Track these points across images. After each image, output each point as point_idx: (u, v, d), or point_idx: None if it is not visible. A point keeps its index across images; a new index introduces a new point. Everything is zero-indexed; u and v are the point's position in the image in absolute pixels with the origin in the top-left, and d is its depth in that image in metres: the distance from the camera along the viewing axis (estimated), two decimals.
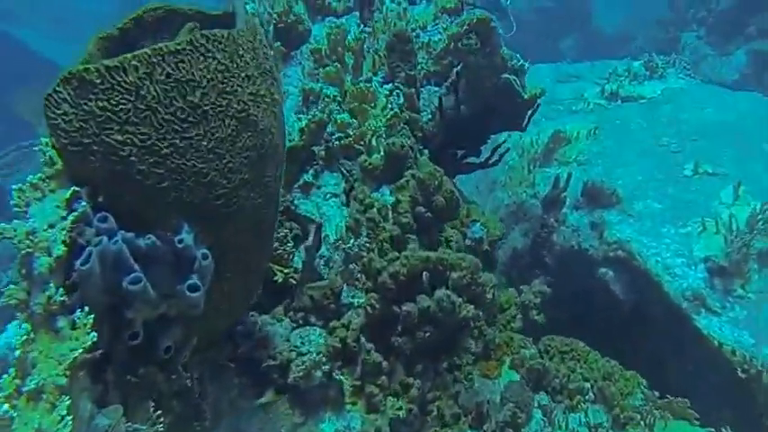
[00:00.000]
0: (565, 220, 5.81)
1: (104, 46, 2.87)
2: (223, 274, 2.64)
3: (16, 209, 2.48)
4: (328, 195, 3.90)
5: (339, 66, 4.47)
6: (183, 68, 2.32)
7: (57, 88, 2.29)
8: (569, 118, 7.62)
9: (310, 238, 3.76)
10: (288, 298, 3.50)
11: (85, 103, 2.26)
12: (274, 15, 5.01)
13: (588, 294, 5.59)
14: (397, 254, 3.28)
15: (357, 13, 5.76)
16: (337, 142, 4.01)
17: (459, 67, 4.58)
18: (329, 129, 4.05)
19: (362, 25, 5.61)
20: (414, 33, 4.93)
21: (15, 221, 2.38)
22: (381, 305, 3.25)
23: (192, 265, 2.46)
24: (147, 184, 2.33)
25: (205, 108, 2.37)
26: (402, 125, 4.10)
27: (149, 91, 2.27)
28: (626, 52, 13.80)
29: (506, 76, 4.55)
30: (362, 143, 3.97)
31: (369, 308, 3.26)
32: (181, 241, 2.40)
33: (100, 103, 2.25)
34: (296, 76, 4.84)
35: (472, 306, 3.22)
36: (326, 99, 4.38)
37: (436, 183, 3.64)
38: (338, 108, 4.38)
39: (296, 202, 3.85)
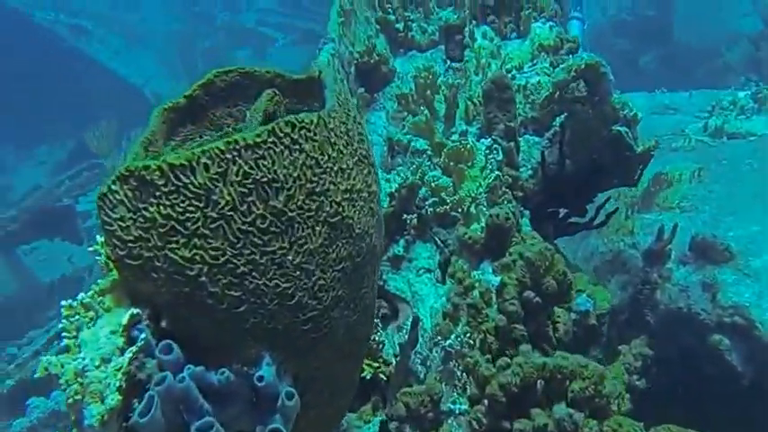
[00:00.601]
0: (670, 277, 5.21)
1: (170, 118, 2.42)
2: (309, 404, 2.16)
3: (65, 334, 2.04)
4: (421, 271, 3.42)
5: (429, 115, 3.98)
6: (264, 166, 1.84)
7: (112, 186, 1.84)
8: (669, 156, 6.98)
9: (400, 320, 3.29)
10: (377, 394, 3.03)
11: (146, 209, 1.81)
12: (356, 55, 4.55)
13: (697, 361, 4.99)
14: (507, 360, 2.76)
15: (442, 47, 5.27)
16: (431, 209, 3.52)
17: (564, 118, 4.05)
18: (422, 192, 3.56)
19: (449, 61, 5.12)
20: (509, 75, 4.41)
21: (63, 356, 1.94)
22: (489, 419, 2.74)
23: (273, 404, 1.98)
24: (220, 309, 1.87)
25: (291, 214, 1.89)
26: (504, 189, 3.59)
27: (222, 195, 1.81)
28: (712, 71, 13.03)
29: (617, 127, 4.00)
30: (460, 210, 3.47)
31: (474, 422, 2.76)
32: (261, 378, 1.93)
33: (163, 210, 1.80)
34: (380, 122, 4.37)
35: (595, 422, 2.69)
36: (416, 153, 3.90)
37: (547, 263, 3.12)
38: (429, 164, 3.89)
39: (384, 277, 3.38)
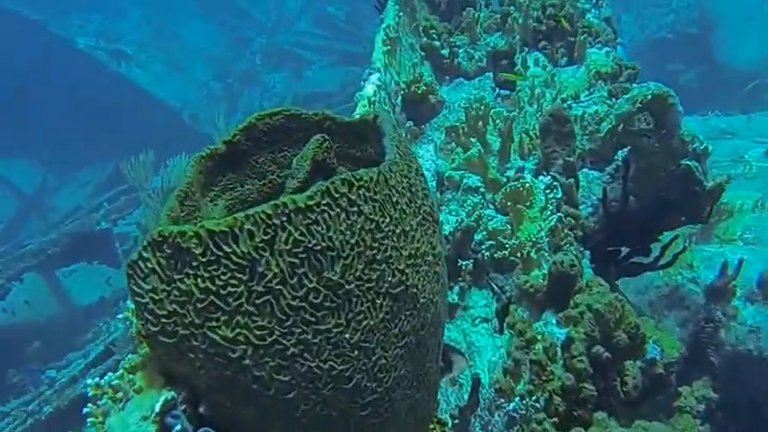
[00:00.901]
0: (736, 315, 4.85)
1: (207, 167, 2.17)
2: None
3: (91, 420, 1.79)
4: (477, 320, 3.13)
5: (482, 150, 3.69)
6: (318, 232, 1.58)
7: (143, 253, 1.59)
8: (728, 184, 6.60)
9: (455, 372, 3.00)
10: None
11: (182, 281, 1.55)
12: (402, 85, 4.29)
13: None
14: (581, 430, 2.46)
15: (490, 74, 4.99)
16: (487, 254, 3.23)
17: (627, 152, 3.74)
18: (477, 236, 3.27)
19: (497, 89, 4.84)
20: (565, 104, 4.12)
21: None
22: None
23: None
24: (266, 395, 1.60)
25: (348, 287, 1.62)
26: (566, 231, 3.28)
27: (269, 266, 1.54)
28: (757, 91, 12.58)
29: (686, 162, 3.68)
30: (519, 255, 3.18)
31: None
32: None
33: (201, 283, 1.54)
34: (428, 155, 4.10)
35: None
36: (468, 190, 3.62)
37: (617, 315, 2.82)
38: (483, 202, 3.61)
39: None
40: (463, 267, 3.15)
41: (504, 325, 3.05)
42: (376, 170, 1.69)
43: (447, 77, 5.14)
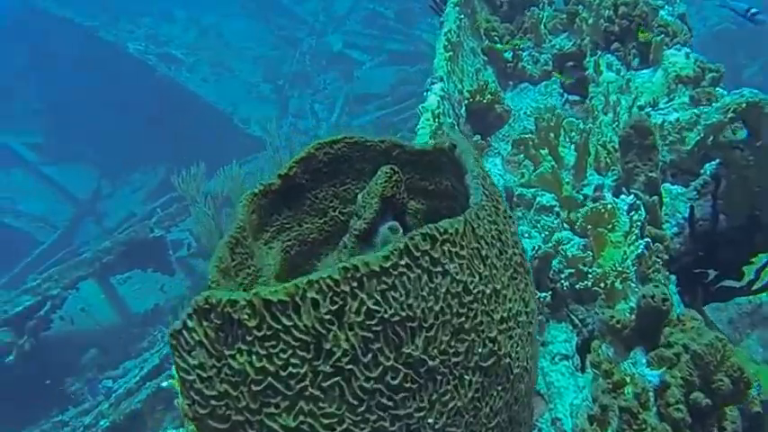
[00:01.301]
0: None
1: (261, 205, 1.91)
2: None
3: None
4: (557, 357, 2.82)
5: (555, 165, 3.38)
6: (395, 300, 1.31)
7: (188, 322, 1.34)
8: None
9: (534, 416, 2.69)
10: None
11: (233, 357, 1.30)
12: (466, 94, 3.99)
13: None
14: None
15: (557, 78, 4.67)
16: (567, 283, 2.92)
17: (717, 166, 3.39)
18: (555, 264, 2.96)
19: (565, 94, 4.52)
20: (643, 112, 3.79)
21: None
22: None
23: None
24: None
25: (432, 363, 1.35)
26: (654, 258, 2.96)
27: (338, 342, 1.28)
28: None
29: None
30: (602, 285, 2.86)
31: None
32: None
33: (256, 361, 1.29)
34: (495, 170, 3.80)
35: None
36: (542, 210, 3.31)
37: (719, 356, 2.49)
38: (556, 221, 3.30)
39: None
40: (541, 299, 2.85)
41: (588, 363, 2.74)
42: (462, 219, 1.41)
43: (510, 82, 4.82)
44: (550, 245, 2.94)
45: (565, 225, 3.32)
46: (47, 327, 10.16)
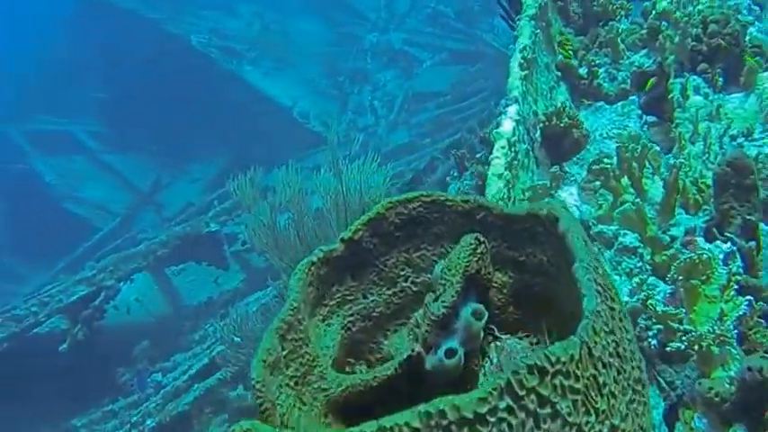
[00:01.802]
0: None
1: (320, 276, 1.60)
2: None
3: None
4: None
5: (640, 203, 3.01)
6: None
7: None
8: None
9: None
10: None
11: None
12: (542, 116, 3.64)
13: None
14: None
15: (635, 98, 4.28)
16: (654, 341, 2.57)
17: None
18: (642, 320, 2.61)
19: (644, 116, 4.13)
20: (735, 143, 3.40)
21: None
22: None
23: None
24: None
25: None
26: (756, 319, 2.58)
27: None
28: None
29: None
30: (697, 348, 2.50)
31: None
32: None
33: None
34: (571, 199, 3.45)
35: None
36: (624, 251, 2.96)
37: None
38: (640, 264, 2.94)
39: None
40: None
41: None
42: (577, 342, 1.08)
43: (584, 100, 4.44)
44: (638, 299, 2.58)
45: (647, 266, 2.96)
46: (100, 316, 10.07)
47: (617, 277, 2.96)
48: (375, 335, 1.71)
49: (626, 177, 3.28)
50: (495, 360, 1.62)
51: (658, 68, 4.25)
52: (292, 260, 5.61)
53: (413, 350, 1.50)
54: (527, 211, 1.58)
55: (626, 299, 2.67)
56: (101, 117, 17.85)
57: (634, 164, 3.25)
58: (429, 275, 1.70)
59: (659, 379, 2.57)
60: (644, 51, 4.50)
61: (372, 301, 1.70)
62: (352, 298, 1.68)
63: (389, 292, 1.71)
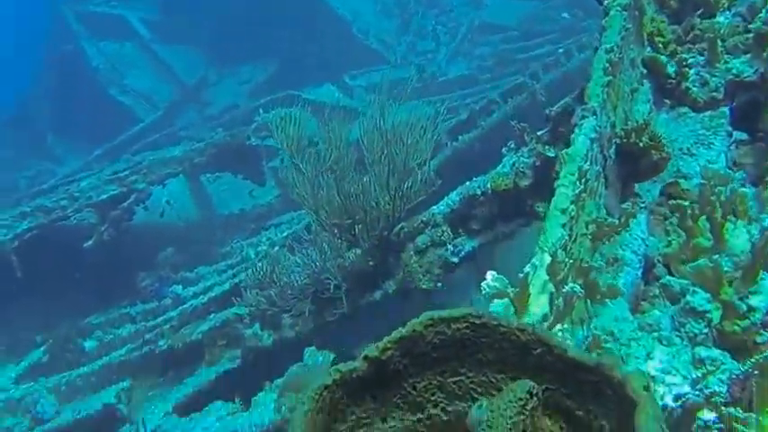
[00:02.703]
0: None
1: (332, 401, 1.33)
2: None
3: None
4: None
5: (717, 261, 2.67)
6: None
7: None
8: None
9: None
10: None
11: None
12: (619, 131, 3.27)
13: None
14: None
15: (726, 110, 3.87)
16: None
17: None
18: (702, 417, 2.30)
19: (733, 134, 3.72)
20: None
21: None
22: None
23: None
24: None
25: None
26: None
27: None
28: None
29: None
30: None
31: None
32: None
33: None
34: (638, 232, 3.12)
35: None
36: (689, 313, 2.65)
37: None
38: (704, 329, 2.63)
39: None
40: None
41: None
42: None
43: (668, 101, 4.04)
44: (700, 394, 2.28)
45: (713, 331, 2.65)
46: (129, 218, 9.97)
47: (677, 340, 2.65)
48: None
49: (704, 220, 2.92)
50: None
51: (759, 79, 3.82)
52: (328, 216, 5.35)
53: None
54: (597, 363, 1.28)
55: (686, 389, 2.36)
56: (157, 5, 17.49)
57: (717, 208, 2.89)
58: (464, 404, 1.42)
59: None
60: (745, 57, 4.04)
61: (392, 427, 1.42)
62: (368, 422, 1.41)
63: (413, 418, 1.43)
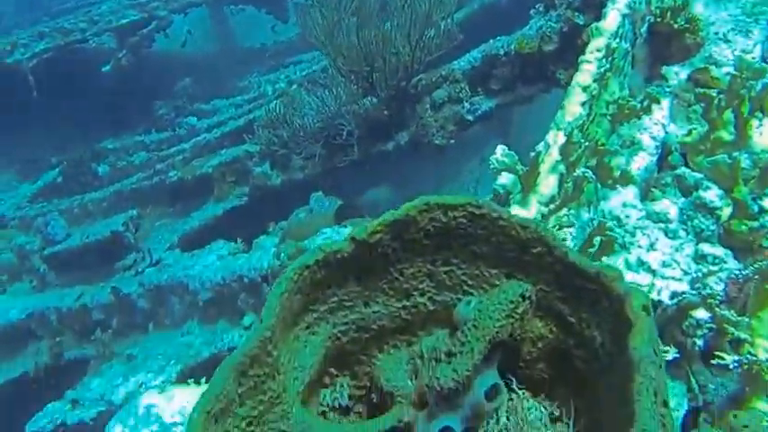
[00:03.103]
0: None
1: (312, 281, 1.25)
2: None
3: None
4: None
5: (738, 159, 2.52)
6: None
7: None
8: None
9: None
10: None
11: None
12: (655, 9, 3.03)
13: None
14: None
15: None
16: (699, 342, 2.20)
17: None
18: (692, 317, 2.22)
19: None
20: None
21: None
22: None
23: None
24: None
25: None
26: None
27: None
28: None
29: None
30: (749, 371, 2.14)
31: None
32: None
33: None
34: (658, 117, 2.95)
35: None
36: (700, 208, 2.54)
37: None
38: (711, 226, 2.53)
39: None
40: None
41: None
42: None
43: None
44: (697, 294, 2.19)
45: (720, 229, 2.55)
46: (148, 45, 9.71)
47: (683, 234, 2.55)
48: (369, 347, 1.37)
49: (730, 112, 2.75)
50: (502, 420, 1.29)
51: None
52: (345, 62, 5.16)
53: (400, 420, 1.17)
54: (597, 271, 1.18)
55: (684, 287, 2.27)
56: None
57: (745, 102, 2.71)
58: (452, 296, 1.33)
59: (692, 379, 2.24)
60: None
61: (376, 312, 1.34)
62: (350, 304, 1.32)
63: (398, 305, 1.34)
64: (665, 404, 0.99)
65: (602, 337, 1.19)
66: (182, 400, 3.89)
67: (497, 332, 1.14)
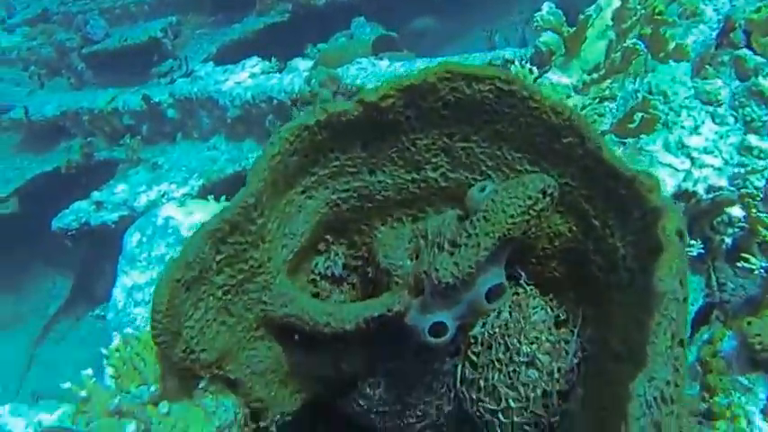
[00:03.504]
0: None
1: (312, 143, 1.11)
2: None
3: None
4: None
5: None
6: None
7: None
8: None
9: None
10: None
11: None
12: None
13: None
14: None
15: None
16: (729, 241, 2.04)
17: None
18: (726, 214, 2.05)
19: None
20: None
21: None
22: None
23: None
24: None
25: None
26: None
27: None
28: None
29: None
30: None
31: None
32: None
33: None
34: None
35: None
36: (759, 98, 2.32)
37: None
38: (765, 119, 2.32)
39: None
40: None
41: (699, 352, 2.00)
42: None
43: None
44: (735, 190, 2.02)
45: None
46: None
47: (731, 120, 2.33)
48: (371, 218, 1.24)
49: None
50: (503, 314, 1.18)
51: None
52: None
53: (389, 309, 1.05)
54: (633, 176, 1.01)
55: (723, 182, 2.08)
56: None
57: None
58: (468, 175, 1.18)
59: (713, 275, 2.11)
60: None
61: (380, 181, 1.19)
62: (353, 170, 1.17)
63: (407, 177, 1.19)
64: (682, 343, 0.85)
65: (624, 249, 1.04)
66: (200, 217, 3.86)
67: (509, 229, 1.00)
